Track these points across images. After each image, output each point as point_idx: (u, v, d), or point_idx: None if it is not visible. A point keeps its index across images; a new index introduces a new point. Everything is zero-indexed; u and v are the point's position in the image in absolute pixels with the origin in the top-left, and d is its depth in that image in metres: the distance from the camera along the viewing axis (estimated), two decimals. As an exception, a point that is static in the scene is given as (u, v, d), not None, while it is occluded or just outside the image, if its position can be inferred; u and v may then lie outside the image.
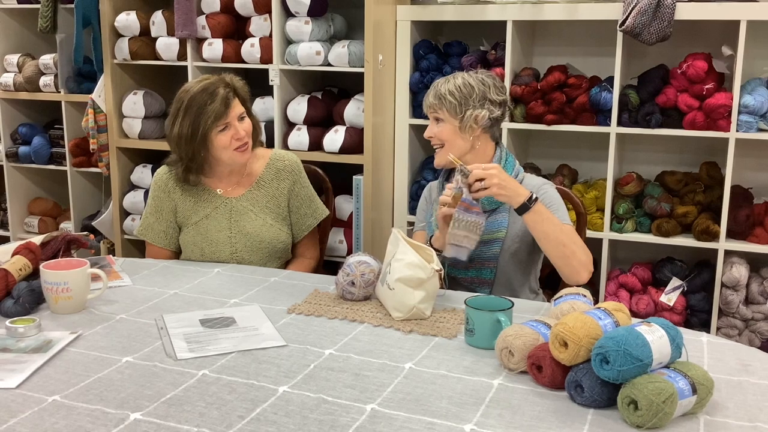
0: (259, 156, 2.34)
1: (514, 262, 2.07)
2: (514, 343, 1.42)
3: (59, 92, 3.78)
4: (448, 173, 2.18)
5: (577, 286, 1.80)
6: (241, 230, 2.25)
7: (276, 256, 2.32)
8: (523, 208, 1.88)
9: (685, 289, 2.96)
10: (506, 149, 2.14)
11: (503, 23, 2.98)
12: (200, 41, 3.28)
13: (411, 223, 3.30)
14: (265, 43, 3.15)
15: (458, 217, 1.86)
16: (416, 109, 3.23)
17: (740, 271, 2.85)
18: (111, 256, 2.29)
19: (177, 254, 2.34)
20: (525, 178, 2.11)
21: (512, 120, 3.07)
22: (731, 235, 2.91)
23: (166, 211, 2.28)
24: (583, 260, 1.90)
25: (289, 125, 3.23)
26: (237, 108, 2.18)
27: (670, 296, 2.93)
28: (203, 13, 3.26)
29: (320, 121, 3.19)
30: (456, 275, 2.11)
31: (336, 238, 3.18)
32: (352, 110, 3.10)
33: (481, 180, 1.85)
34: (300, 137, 3.15)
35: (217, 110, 2.12)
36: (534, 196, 1.88)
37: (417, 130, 3.29)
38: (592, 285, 3.03)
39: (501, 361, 1.46)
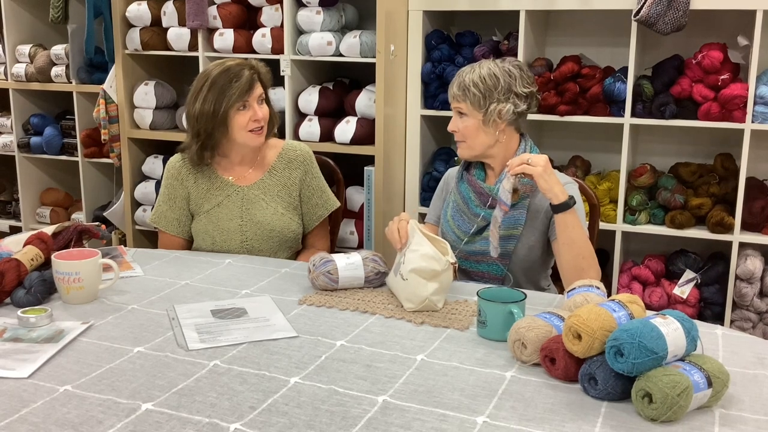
0: (271, 146, 2.35)
1: (526, 261, 2.04)
2: (527, 336, 1.41)
3: (71, 83, 3.79)
4: (468, 164, 2.16)
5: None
6: (252, 218, 2.26)
7: (286, 245, 2.32)
8: (563, 207, 1.86)
9: (699, 281, 2.94)
10: (531, 142, 2.10)
11: (516, 13, 2.96)
12: (211, 31, 3.27)
13: (422, 215, 3.29)
14: (277, 33, 3.14)
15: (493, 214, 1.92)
16: (428, 100, 3.21)
17: (755, 264, 2.83)
18: (122, 246, 2.29)
19: (189, 242, 2.34)
20: None
21: (525, 111, 3.05)
22: (746, 227, 2.89)
23: (179, 199, 2.29)
24: (593, 277, 1.88)
25: (301, 116, 3.23)
26: (258, 90, 2.21)
27: (683, 289, 2.92)
28: (214, 3, 3.26)
29: (331, 112, 3.18)
30: (467, 268, 2.10)
31: (347, 229, 3.18)
32: (364, 101, 3.09)
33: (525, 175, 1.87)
34: (311, 128, 3.14)
35: (241, 88, 2.15)
36: (571, 198, 1.87)
37: (429, 121, 3.28)
38: (605, 277, 3.01)
39: (513, 353, 1.45)
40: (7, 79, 3.96)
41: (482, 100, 1.98)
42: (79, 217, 4.01)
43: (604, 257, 3.14)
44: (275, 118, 2.33)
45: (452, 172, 2.22)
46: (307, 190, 2.35)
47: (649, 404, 1.21)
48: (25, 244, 1.87)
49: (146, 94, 3.45)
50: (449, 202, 2.16)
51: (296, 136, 3.18)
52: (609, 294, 1.66)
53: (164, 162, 3.46)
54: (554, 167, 2.15)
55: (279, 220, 2.28)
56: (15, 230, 4.11)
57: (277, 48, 3.14)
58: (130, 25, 3.41)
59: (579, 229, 1.89)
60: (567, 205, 1.86)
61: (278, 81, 3.20)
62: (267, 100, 2.27)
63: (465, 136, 2.03)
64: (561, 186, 1.87)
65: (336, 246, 2.67)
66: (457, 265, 1.72)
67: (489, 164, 2.10)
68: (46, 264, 1.83)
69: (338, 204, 2.44)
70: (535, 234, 2.02)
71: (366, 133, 3.08)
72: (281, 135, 3.18)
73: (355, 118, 3.11)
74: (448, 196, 2.18)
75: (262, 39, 3.16)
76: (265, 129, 2.25)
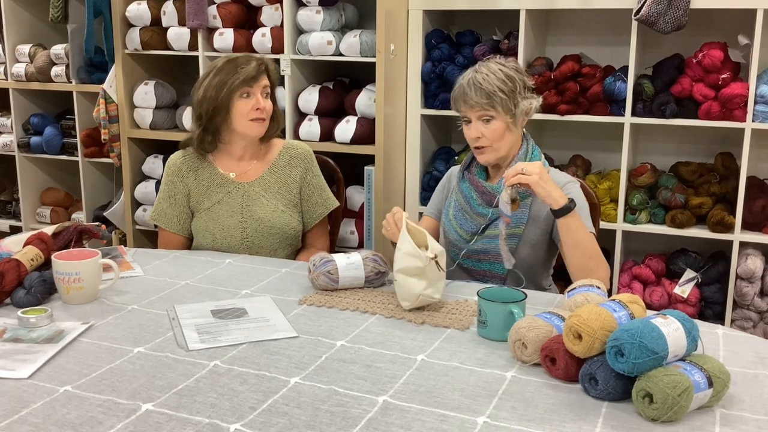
0: (272, 144, 2.37)
1: (528, 259, 2.04)
2: (528, 336, 1.41)
3: (71, 82, 3.78)
4: (469, 163, 2.15)
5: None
6: (253, 215, 2.26)
7: (287, 242, 2.32)
8: (564, 211, 1.85)
9: (699, 280, 2.94)
10: (532, 141, 2.10)
11: (516, 12, 2.96)
12: (211, 31, 3.27)
13: (422, 214, 3.28)
14: (277, 32, 3.14)
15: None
16: (428, 99, 3.21)
17: (755, 263, 2.83)
18: (122, 246, 2.29)
19: (189, 240, 2.34)
20: (550, 171, 2.06)
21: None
22: (746, 226, 2.89)
23: (179, 196, 2.30)
24: (602, 276, 1.88)
25: (301, 115, 3.22)
26: (264, 82, 2.23)
27: (684, 288, 2.91)
28: (214, 3, 3.25)
29: (331, 112, 3.18)
30: (469, 266, 2.09)
31: (347, 229, 3.17)
32: (364, 100, 3.09)
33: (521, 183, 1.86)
34: (311, 128, 3.14)
35: (246, 74, 2.17)
36: (571, 201, 1.87)
37: (429, 121, 3.27)
38: (605, 276, 3.01)
39: (514, 354, 1.45)
40: (7, 79, 3.96)
41: (509, 102, 1.98)
42: (80, 216, 4.01)
43: (604, 256, 3.13)
44: (280, 117, 2.36)
45: (455, 170, 2.22)
46: (307, 188, 2.35)
47: (649, 404, 1.21)
48: (25, 244, 1.86)
49: (146, 94, 3.44)
50: (451, 201, 2.15)
51: (296, 136, 3.18)
52: (609, 294, 1.66)
53: (164, 162, 3.46)
54: (555, 166, 2.15)
55: (279, 217, 2.28)
56: (15, 230, 4.11)
57: (277, 47, 3.14)
58: (130, 25, 3.40)
59: (582, 230, 1.88)
60: (568, 208, 1.86)
61: (278, 80, 3.20)
62: (273, 98, 2.29)
63: (492, 141, 2.01)
64: (559, 190, 1.87)
65: (336, 246, 2.67)
66: (438, 257, 1.70)
67: (497, 164, 2.09)
68: (46, 264, 1.83)
69: (338, 204, 2.44)
70: (537, 233, 2.02)
71: (366, 132, 3.07)
72: (281, 134, 3.17)
73: (355, 118, 3.11)
74: (450, 195, 2.18)
75: (262, 38, 3.16)
76: (267, 121, 2.26)
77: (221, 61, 2.22)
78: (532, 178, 1.83)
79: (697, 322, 1.39)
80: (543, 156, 2.10)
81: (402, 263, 1.68)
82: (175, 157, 2.32)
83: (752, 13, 2.70)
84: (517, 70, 2.02)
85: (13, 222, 4.21)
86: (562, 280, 2.54)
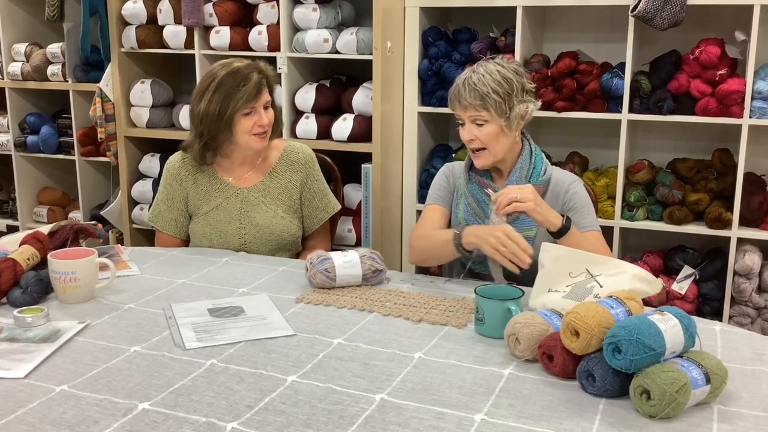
0: (273, 147, 2.33)
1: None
2: (522, 332, 1.41)
3: (67, 81, 3.77)
4: (471, 164, 2.08)
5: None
6: (251, 221, 2.25)
7: (285, 248, 2.31)
8: (562, 232, 1.85)
9: (697, 277, 2.94)
10: (533, 142, 2.07)
11: (513, 9, 2.95)
12: (207, 29, 3.26)
13: (421, 212, 3.27)
14: (273, 30, 3.13)
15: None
16: (425, 97, 3.20)
17: (753, 259, 2.83)
18: (119, 245, 2.28)
19: (186, 242, 2.34)
20: (553, 171, 2.05)
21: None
22: (744, 222, 2.89)
23: (177, 200, 2.28)
24: None
25: (297, 113, 3.22)
26: (265, 96, 2.19)
27: (681, 284, 2.91)
28: (210, 1, 3.25)
29: (328, 110, 3.17)
30: (481, 271, 2.06)
31: (345, 227, 3.17)
32: (361, 98, 3.08)
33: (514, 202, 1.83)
34: (308, 126, 3.13)
35: (249, 93, 2.12)
36: (567, 219, 1.86)
37: (426, 118, 3.27)
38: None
39: (508, 347, 1.44)
40: (3, 78, 3.95)
41: (504, 104, 1.94)
42: (76, 216, 4.00)
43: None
44: (279, 121, 2.33)
45: (455, 169, 2.15)
46: (308, 192, 2.34)
47: (647, 401, 1.21)
48: (21, 244, 1.86)
49: (142, 93, 3.43)
50: (460, 204, 2.09)
51: (293, 134, 3.17)
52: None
53: (161, 160, 3.46)
54: (552, 164, 2.14)
55: (279, 223, 2.27)
56: (12, 229, 4.10)
57: (274, 45, 3.13)
58: (126, 23, 3.39)
59: (583, 243, 1.87)
60: (566, 228, 1.85)
61: (276, 81, 3.19)
62: (272, 103, 2.25)
63: (486, 143, 1.97)
64: (554, 213, 1.87)
65: (334, 243, 2.67)
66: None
67: (497, 167, 2.06)
68: (43, 263, 1.83)
69: (339, 207, 2.43)
70: (548, 237, 2.00)
71: (363, 130, 3.07)
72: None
73: (352, 116, 3.10)
74: (456, 196, 2.11)
75: (258, 36, 3.15)
76: (269, 133, 2.23)
77: (221, 73, 2.14)
78: (528, 205, 1.81)
79: (695, 318, 1.39)
80: (544, 155, 2.08)
81: (633, 285, 1.57)
82: (174, 159, 2.30)
83: (749, 8, 2.70)
84: (516, 72, 1.98)
85: (9, 221, 4.20)
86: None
